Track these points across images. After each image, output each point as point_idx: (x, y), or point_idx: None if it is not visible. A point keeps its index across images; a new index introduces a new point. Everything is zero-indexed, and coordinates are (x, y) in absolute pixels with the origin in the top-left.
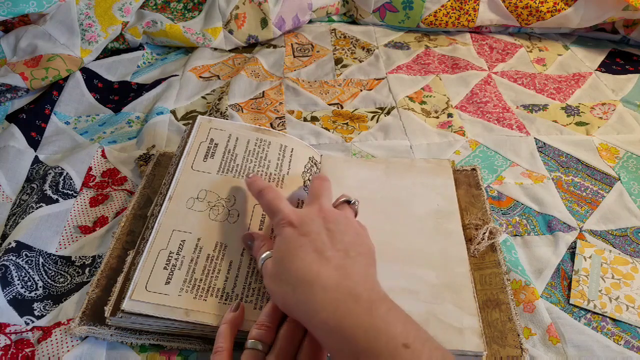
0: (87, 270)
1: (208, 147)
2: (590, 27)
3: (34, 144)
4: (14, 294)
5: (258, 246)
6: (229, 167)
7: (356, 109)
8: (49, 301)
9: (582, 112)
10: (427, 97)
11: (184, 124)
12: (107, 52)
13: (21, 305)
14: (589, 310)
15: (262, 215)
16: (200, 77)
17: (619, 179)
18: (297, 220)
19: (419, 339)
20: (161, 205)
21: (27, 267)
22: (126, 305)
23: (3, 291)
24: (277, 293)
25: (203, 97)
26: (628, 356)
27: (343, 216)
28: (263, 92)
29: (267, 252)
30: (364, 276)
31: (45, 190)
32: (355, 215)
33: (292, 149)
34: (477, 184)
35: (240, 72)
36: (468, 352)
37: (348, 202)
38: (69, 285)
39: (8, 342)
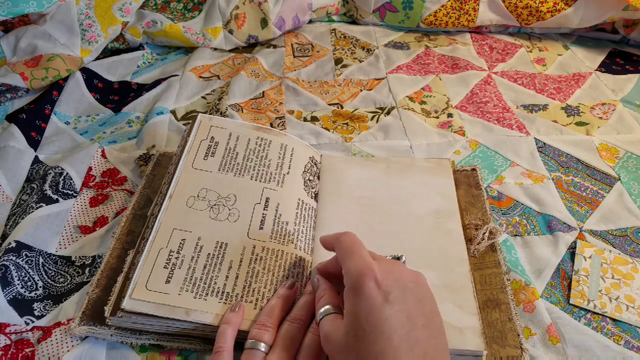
0: (87, 270)
1: (209, 145)
2: (590, 27)
3: (34, 144)
4: (14, 294)
5: (319, 295)
6: (229, 165)
7: (356, 109)
8: (49, 301)
9: (582, 112)
10: (427, 97)
11: (184, 124)
12: (107, 52)
13: (21, 305)
14: (589, 310)
15: (263, 215)
16: (200, 77)
17: (619, 179)
18: (382, 277)
19: None
20: (161, 205)
21: (27, 267)
22: (126, 304)
23: (3, 291)
24: None
25: (203, 97)
26: (628, 356)
27: (410, 278)
28: (263, 92)
29: (328, 307)
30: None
31: (45, 190)
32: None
33: (293, 148)
34: (477, 184)
35: (240, 72)
36: (468, 352)
37: (397, 258)
38: (69, 285)
39: (8, 342)
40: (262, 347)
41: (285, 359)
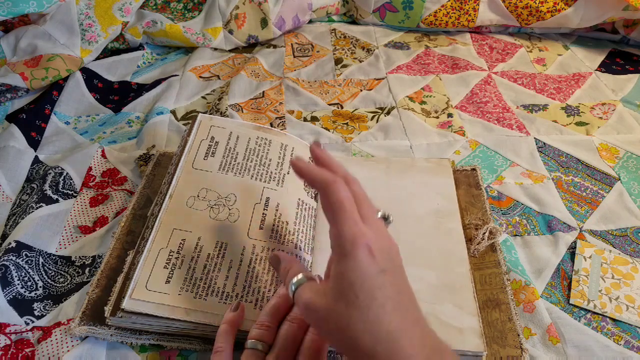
0: (87, 270)
1: (209, 145)
2: (590, 27)
3: (34, 144)
4: (14, 294)
5: (285, 267)
6: (229, 165)
7: (356, 109)
8: (49, 301)
9: (582, 112)
10: (427, 97)
11: (184, 124)
12: (107, 52)
13: (21, 305)
14: (589, 310)
15: (263, 214)
16: (200, 77)
17: (619, 179)
18: (375, 245)
19: None
20: (161, 205)
21: (27, 267)
22: (126, 304)
23: (3, 291)
24: (338, 335)
25: (203, 97)
26: (628, 356)
27: (394, 245)
28: (263, 92)
29: (301, 276)
30: (432, 331)
31: (45, 190)
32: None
33: (293, 148)
34: (477, 184)
35: (240, 72)
36: (468, 352)
37: (385, 218)
38: (69, 285)
39: (8, 342)
40: (262, 347)
41: (285, 359)
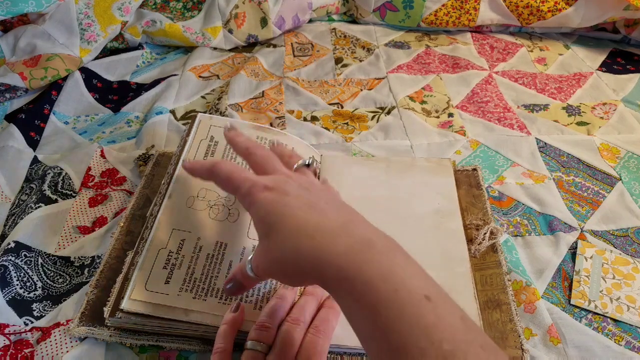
0: (86, 270)
1: (208, 145)
2: (591, 27)
3: (33, 143)
4: (13, 295)
5: (239, 271)
6: None
7: (356, 109)
8: (48, 302)
9: (583, 112)
10: (427, 96)
11: (183, 124)
12: (106, 52)
13: (20, 306)
14: (590, 311)
15: None
16: (200, 76)
17: (620, 179)
18: (271, 183)
19: (439, 293)
20: (160, 205)
21: (26, 268)
22: (125, 304)
23: (2, 291)
24: (276, 264)
25: (202, 97)
26: (629, 357)
27: (313, 181)
28: (263, 91)
29: (250, 256)
30: (370, 225)
31: (44, 190)
32: (316, 176)
33: (293, 148)
34: (478, 184)
35: (239, 71)
36: None
37: (306, 165)
38: (68, 286)
39: (7, 342)
40: (262, 347)
41: None
